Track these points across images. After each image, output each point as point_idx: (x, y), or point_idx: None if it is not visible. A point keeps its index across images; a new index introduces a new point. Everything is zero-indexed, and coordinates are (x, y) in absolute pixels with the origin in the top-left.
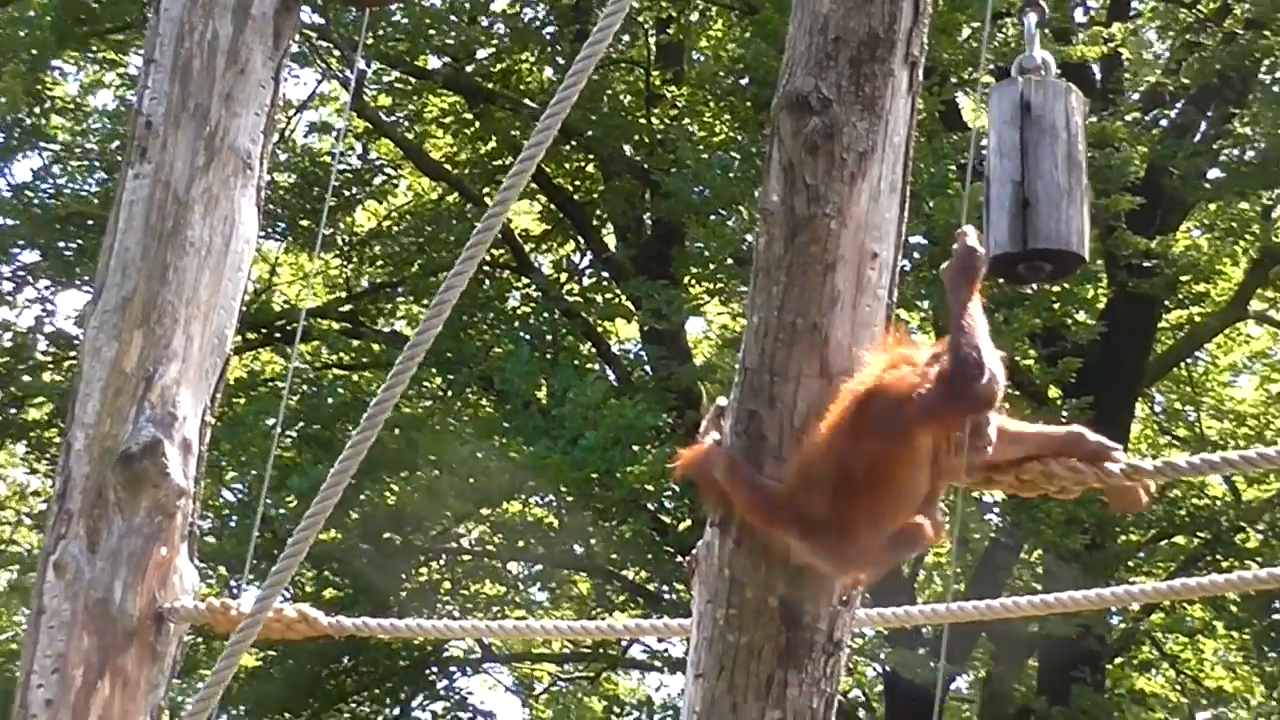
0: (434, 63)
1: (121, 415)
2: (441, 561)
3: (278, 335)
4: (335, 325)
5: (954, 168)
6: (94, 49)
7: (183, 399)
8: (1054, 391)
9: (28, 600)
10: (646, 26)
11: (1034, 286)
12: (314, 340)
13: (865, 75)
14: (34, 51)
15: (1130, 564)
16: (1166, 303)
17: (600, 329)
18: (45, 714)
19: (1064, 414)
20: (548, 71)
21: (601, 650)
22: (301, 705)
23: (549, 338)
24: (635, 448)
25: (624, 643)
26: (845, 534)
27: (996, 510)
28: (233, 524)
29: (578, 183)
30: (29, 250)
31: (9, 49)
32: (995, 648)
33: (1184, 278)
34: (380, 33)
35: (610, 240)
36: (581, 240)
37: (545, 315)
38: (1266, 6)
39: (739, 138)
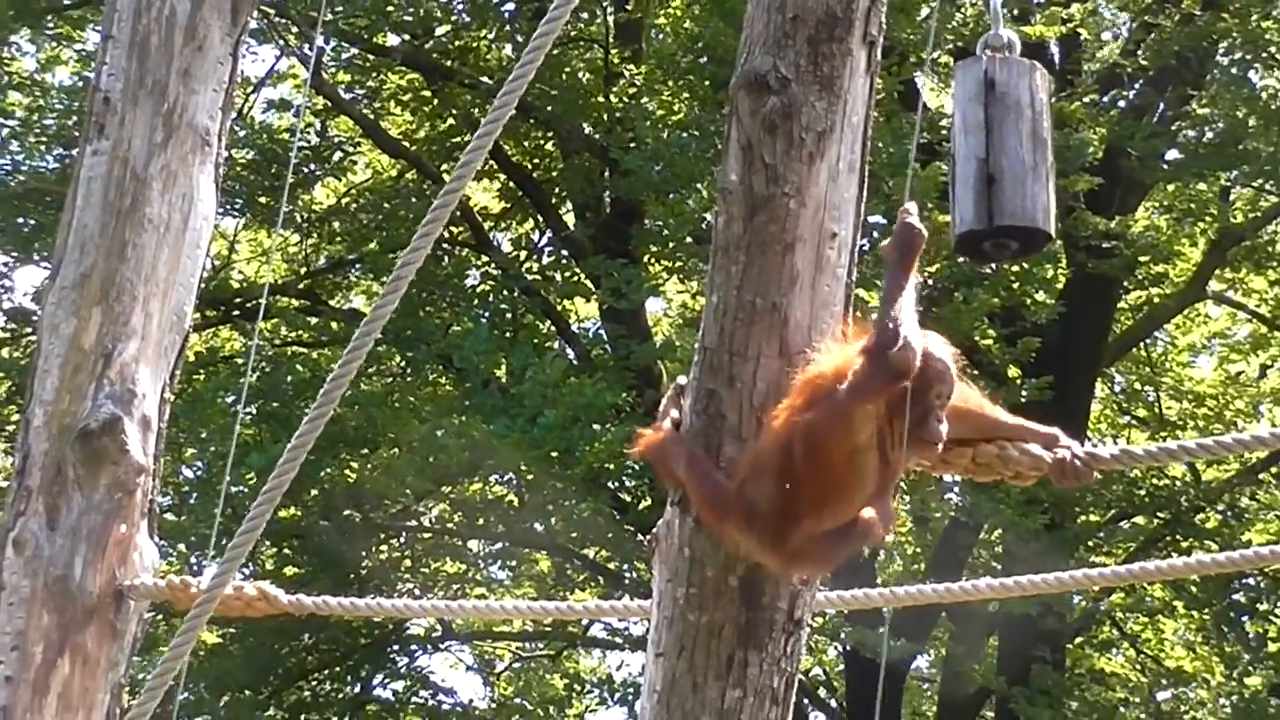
0: (392, 39)
1: (80, 392)
2: (402, 539)
3: (236, 312)
4: (294, 302)
5: (912, 148)
6: (51, 25)
7: (142, 376)
8: (1013, 371)
9: None
10: (605, 4)
11: (996, 265)
12: (273, 318)
13: (823, 54)
14: None
15: (1090, 544)
16: (1125, 283)
17: (559, 307)
18: (4, 690)
19: (1023, 394)
20: (506, 49)
21: (562, 629)
22: (262, 682)
23: (508, 316)
24: (595, 426)
25: (585, 622)
26: (788, 523)
27: (956, 490)
28: (192, 501)
29: (536, 160)
30: None
31: None
32: (955, 627)
33: (1143, 258)
34: (339, 9)
35: (569, 218)
36: (540, 218)
37: (504, 293)
38: None
39: (698, 115)
